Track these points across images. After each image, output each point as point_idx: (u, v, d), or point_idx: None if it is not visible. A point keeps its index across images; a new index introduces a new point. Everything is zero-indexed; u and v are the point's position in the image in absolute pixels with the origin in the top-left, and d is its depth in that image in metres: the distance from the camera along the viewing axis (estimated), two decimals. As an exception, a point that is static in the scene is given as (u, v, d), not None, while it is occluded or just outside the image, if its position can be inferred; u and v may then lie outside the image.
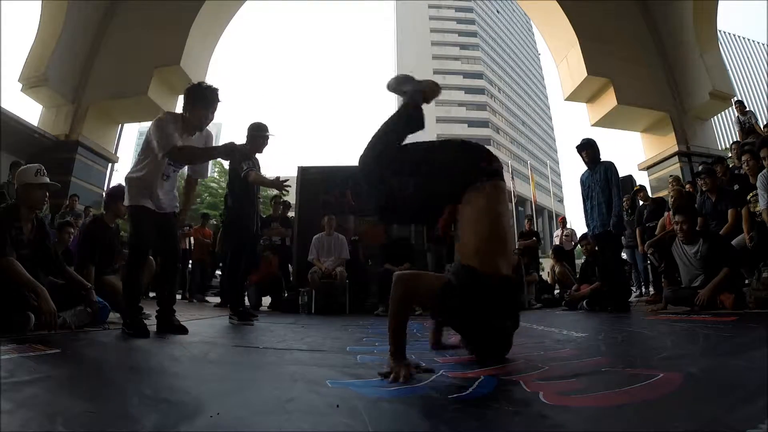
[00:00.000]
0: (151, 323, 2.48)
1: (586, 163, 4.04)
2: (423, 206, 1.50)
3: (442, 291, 1.30)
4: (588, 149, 3.99)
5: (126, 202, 2.32)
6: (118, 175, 9.63)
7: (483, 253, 1.33)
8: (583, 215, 4.17)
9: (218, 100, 2.36)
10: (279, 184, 2.83)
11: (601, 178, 3.88)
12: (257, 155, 3.32)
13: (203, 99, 2.32)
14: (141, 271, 2.37)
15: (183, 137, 2.31)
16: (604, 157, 4.03)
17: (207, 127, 2.50)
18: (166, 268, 2.50)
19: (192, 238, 6.79)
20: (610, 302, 3.66)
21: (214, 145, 2.54)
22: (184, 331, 2.33)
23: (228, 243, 3.78)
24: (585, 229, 4.67)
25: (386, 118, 1.61)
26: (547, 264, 7.69)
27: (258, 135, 3.32)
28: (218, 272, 6.92)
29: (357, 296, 4.90)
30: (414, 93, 1.64)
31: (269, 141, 3.36)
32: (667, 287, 3.51)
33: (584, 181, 4.08)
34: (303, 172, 5.84)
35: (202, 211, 8.81)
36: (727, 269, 2.99)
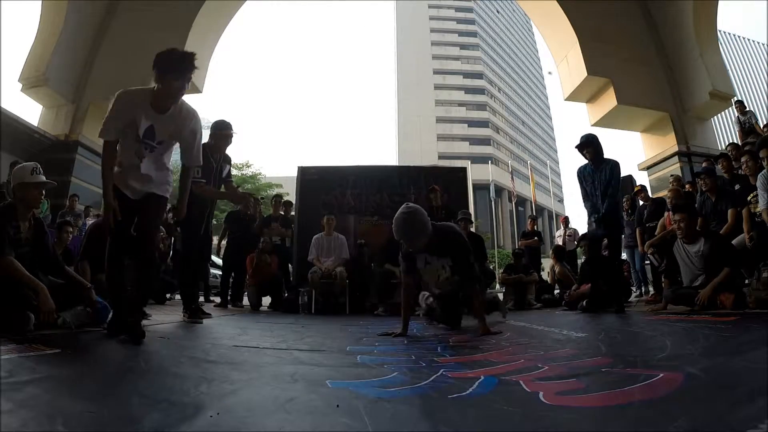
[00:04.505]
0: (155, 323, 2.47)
1: (589, 160, 3.82)
2: None
3: None
4: (590, 147, 3.77)
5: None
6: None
7: None
8: (584, 211, 4.03)
9: (192, 67, 1.98)
10: (232, 194, 3.14)
11: (605, 179, 3.69)
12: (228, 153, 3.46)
13: (175, 67, 1.93)
14: (121, 262, 2.12)
15: (148, 116, 2.00)
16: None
17: (192, 110, 2.14)
18: (138, 263, 2.16)
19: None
20: (611, 303, 3.65)
21: (196, 126, 2.20)
22: (137, 339, 1.88)
23: (181, 244, 3.72)
24: (586, 229, 4.61)
25: None
26: (547, 264, 7.70)
27: (218, 134, 3.39)
28: (218, 272, 6.91)
29: (357, 296, 4.90)
30: None
31: (232, 140, 3.43)
32: (667, 287, 3.50)
33: (586, 177, 3.85)
34: (303, 172, 5.83)
35: None
36: (728, 269, 2.99)
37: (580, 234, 6.68)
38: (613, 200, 3.67)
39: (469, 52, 51.49)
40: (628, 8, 9.11)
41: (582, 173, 3.91)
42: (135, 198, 2.11)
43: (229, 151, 3.55)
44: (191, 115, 2.13)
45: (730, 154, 5.11)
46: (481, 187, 33.71)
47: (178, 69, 1.94)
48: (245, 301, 5.35)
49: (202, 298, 6.26)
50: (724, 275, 2.98)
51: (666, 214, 4.53)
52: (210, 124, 3.60)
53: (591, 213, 3.88)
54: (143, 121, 1.99)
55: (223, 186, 3.45)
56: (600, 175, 3.74)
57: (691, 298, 3.06)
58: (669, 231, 3.97)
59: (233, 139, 3.48)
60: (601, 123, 9.23)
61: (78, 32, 8.31)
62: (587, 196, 3.86)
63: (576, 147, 3.90)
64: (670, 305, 3.37)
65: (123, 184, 2.09)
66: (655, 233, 4.50)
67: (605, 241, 3.89)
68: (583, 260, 5.38)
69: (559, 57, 9.51)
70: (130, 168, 2.09)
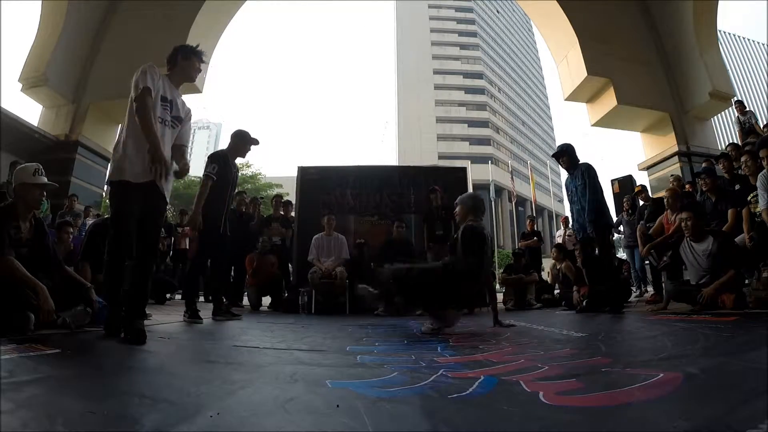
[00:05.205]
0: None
1: (566, 169, 4.02)
2: None
3: None
4: (564, 156, 3.96)
5: (107, 178, 2.17)
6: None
7: None
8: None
9: (203, 59, 2.50)
10: (197, 213, 3.19)
11: (580, 182, 3.84)
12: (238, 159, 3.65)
13: (194, 52, 2.42)
14: (122, 264, 2.10)
15: (171, 90, 2.28)
16: (601, 158, 4.01)
17: (190, 110, 2.41)
18: (139, 259, 2.12)
19: (188, 238, 6.77)
20: (608, 303, 3.65)
21: (190, 121, 2.44)
22: (139, 339, 1.86)
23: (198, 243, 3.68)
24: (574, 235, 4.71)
25: None
26: (547, 264, 7.68)
27: (240, 142, 3.56)
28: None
29: (357, 296, 4.89)
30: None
31: (251, 148, 3.62)
32: (670, 283, 3.51)
33: (568, 186, 4.06)
34: (303, 172, 5.83)
35: None
36: (733, 272, 3.00)
37: (580, 234, 6.66)
38: (593, 202, 3.72)
39: (469, 52, 51.45)
40: (628, 8, 9.11)
41: (566, 184, 4.11)
42: (144, 181, 2.05)
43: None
44: (189, 109, 2.44)
45: (730, 154, 5.10)
46: (481, 187, 33.63)
47: (200, 55, 2.43)
48: (245, 301, 5.35)
49: (178, 296, 6.28)
50: (728, 277, 2.99)
51: (665, 212, 4.52)
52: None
53: (575, 220, 4.05)
54: (168, 91, 2.26)
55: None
56: (575, 181, 3.90)
57: (694, 295, 3.07)
58: (670, 234, 3.96)
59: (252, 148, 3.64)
60: (601, 123, 9.22)
61: (78, 32, 8.31)
62: (570, 204, 4.04)
63: (552, 156, 4.10)
64: (672, 302, 3.38)
65: (136, 166, 2.04)
66: (649, 232, 4.46)
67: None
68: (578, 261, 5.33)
69: (559, 57, 9.51)
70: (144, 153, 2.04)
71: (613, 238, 6.35)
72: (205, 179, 3.28)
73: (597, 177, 3.84)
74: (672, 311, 3.24)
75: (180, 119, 2.31)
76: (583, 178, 3.81)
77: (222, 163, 3.38)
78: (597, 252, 3.92)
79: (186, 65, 2.37)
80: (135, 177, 2.05)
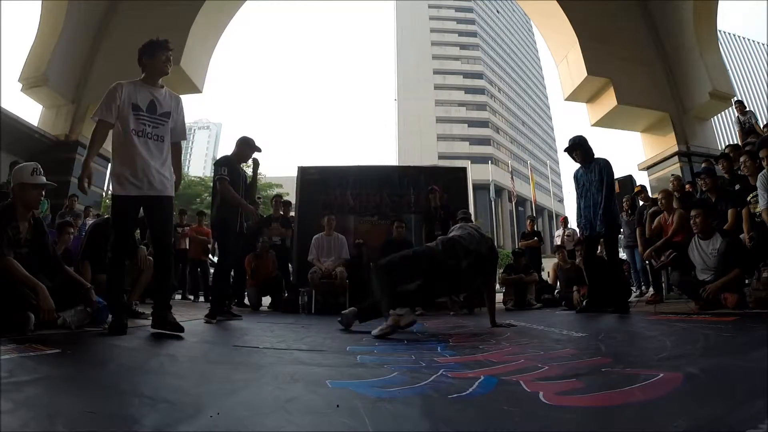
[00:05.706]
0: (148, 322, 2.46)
1: (579, 162, 3.89)
2: None
3: None
4: (578, 149, 3.82)
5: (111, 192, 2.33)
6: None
7: None
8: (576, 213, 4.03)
9: (170, 46, 2.47)
10: (246, 206, 3.41)
11: (596, 178, 3.72)
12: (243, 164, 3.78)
13: (157, 45, 2.39)
14: (122, 264, 2.31)
15: (148, 93, 2.32)
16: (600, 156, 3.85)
17: (178, 97, 2.48)
18: (157, 259, 2.39)
19: (188, 238, 6.77)
20: (611, 303, 3.65)
21: (182, 105, 2.51)
22: (178, 329, 2.19)
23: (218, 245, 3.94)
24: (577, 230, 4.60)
25: None
26: (547, 264, 7.68)
27: (244, 148, 3.66)
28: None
29: (357, 296, 4.89)
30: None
31: (254, 154, 3.74)
32: (675, 273, 3.51)
33: (579, 178, 3.91)
34: (303, 172, 5.83)
35: (199, 209, 8.82)
36: (738, 270, 3.01)
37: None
38: (608, 200, 3.65)
39: (469, 52, 51.48)
40: (628, 8, 9.12)
41: (575, 176, 3.98)
42: (139, 194, 2.17)
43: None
44: (178, 96, 2.49)
45: (729, 155, 5.10)
46: (481, 187, 33.72)
47: (162, 45, 2.39)
48: (245, 300, 5.34)
49: (178, 296, 6.30)
50: (733, 275, 3.00)
51: (663, 213, 4.51)
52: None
53: (578, 216, 3.95)
54: (144, 96, 2.28)
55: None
56: (590, 176, 3.79)
57: (696, 289, 3.08)
58: (670, 235, 3.96)
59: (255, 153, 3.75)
60: (601, 123, 9.23)
61: (78, 32, 8.31)
62: (578, 197, 3.92)
63: (565, 150, 3.97)
64: (673, 301, 3.39)
65: (125, 182, 2.16)
66: (647, 235, 4.43)
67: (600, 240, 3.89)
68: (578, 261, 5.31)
69: (559, 57, 9.51)
70: (135, 160, 2.18)
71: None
72: (221, 183, 3.36)
73: (614, 175, 3.76)
74: (672, 311, 3.24)
75: (168, 114, 2.34)
76: (601, 174, 3.69)
77: (230, 166, 3.48)
78: (604, 251, 3.89)
79: (154, 62, 2.36)
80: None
